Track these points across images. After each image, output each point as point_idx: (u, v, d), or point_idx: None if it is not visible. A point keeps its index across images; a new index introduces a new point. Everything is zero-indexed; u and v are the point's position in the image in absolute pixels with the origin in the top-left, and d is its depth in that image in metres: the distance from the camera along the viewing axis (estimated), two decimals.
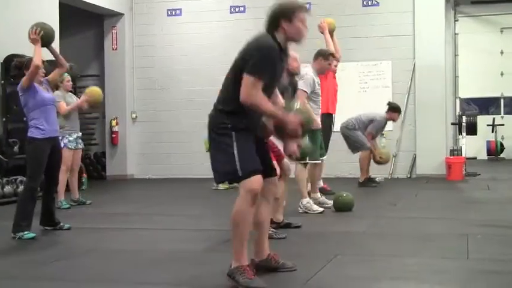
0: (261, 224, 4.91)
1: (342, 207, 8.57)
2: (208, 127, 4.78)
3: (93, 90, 10.14)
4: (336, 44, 10.23)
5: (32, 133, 7.18)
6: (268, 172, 4.82)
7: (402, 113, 13.82)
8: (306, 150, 6.44)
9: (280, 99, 5.16)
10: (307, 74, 8.39)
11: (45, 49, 7.45)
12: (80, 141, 10.12)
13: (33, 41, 7.30)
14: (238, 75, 4.60)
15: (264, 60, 4.56)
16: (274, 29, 4.73)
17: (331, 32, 10.20)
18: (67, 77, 9.88)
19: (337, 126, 10.95)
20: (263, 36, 4.72)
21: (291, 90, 7.27)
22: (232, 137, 4.58)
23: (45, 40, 7.42)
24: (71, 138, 9.76)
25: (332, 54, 9.12)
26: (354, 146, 11.81)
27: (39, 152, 7.15)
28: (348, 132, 11.70)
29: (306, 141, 6.20)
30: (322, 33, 10.15)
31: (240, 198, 4.54)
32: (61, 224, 7.51)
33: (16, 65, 7.67)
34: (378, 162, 12.00)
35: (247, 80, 4.52)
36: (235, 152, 4.54)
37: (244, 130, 4.62)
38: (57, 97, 9.50)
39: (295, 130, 4.70)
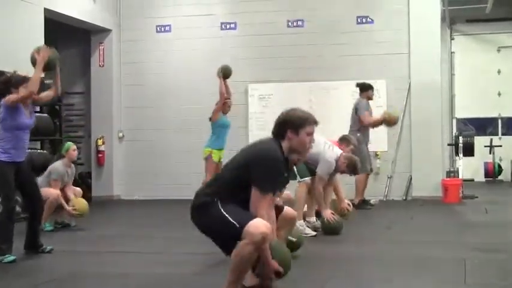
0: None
1: (330, 232, 8.57)
2: (194, 211, 4.93)
3: (81, 203, 10.01)
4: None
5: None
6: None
7: (397, 133, 13.88)
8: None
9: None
10: (330, 157, 8.53)
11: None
12: None
13: (38, 65, 7.22)
14: (239, 178, 4.71)
15: (272, 176, 4.66)
16: (281, 137, 4.82)
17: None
18: (73, 146, 9.86)
19: None
20: (272, 148, 4.78)
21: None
22: (218, 206, 4.64)
23: (51, 65, 7.43)
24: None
25: None
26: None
27: (3, 172, 7.10)
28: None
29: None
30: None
31: (242, 242, 4.48)
32: (44, 246, 7.46)
33: (3, 81, 7.55)
34: (387, 122, 12.16)
35: (261, 197, 4.60)
36: (225, 214, 4.59)
37: (230, 203, 4.66)
38: (54, 173, 9.44)
39: (269, 273, 4.74)
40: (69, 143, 9.94)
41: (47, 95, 7.80)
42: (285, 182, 5.03)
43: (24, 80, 7.20)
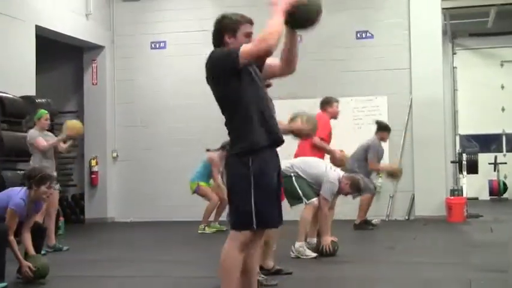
0: (250, 271, 4.85)
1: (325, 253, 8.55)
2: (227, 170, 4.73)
3: (73, 122, 10.09)
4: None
5: None
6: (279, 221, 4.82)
7: (400, 150, 13.88)
8: None
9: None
10: (333, 178, 8.52)
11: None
12: (55, 182, 10.02)
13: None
14: (221, 97, 4.75)
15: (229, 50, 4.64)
16: (219, 45, 4.79)
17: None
18: (46, 114, 9.86)
19: None
20: (214, 51, 4.79)
21: None
22: (251, 182, 4.49)
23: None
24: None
25: None
26: None
27: None
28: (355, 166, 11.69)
29: None
30: None
31: (229, 245, 4.50)
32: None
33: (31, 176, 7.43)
34: (391, 175, 12.23)
35: (244, 48, 4.52)
36: (253, 201, 4.48)
37: (265, 175, 4.55)
38: (31, 137, 9.50)
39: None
40: (42, 110, 9.89)
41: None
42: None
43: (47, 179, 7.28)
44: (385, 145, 13.00)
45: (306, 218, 8.44)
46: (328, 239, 8.59)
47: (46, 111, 9.97)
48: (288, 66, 4.80)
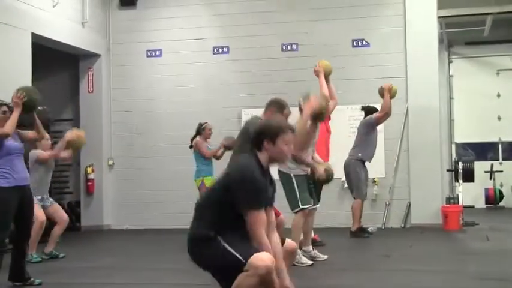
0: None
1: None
2: (190, 243, 4.87)
3: (77, 133, 10.04)
4: (331, 87, 9.81)
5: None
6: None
7: (395, 158, 13.90)
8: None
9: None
10: None
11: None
12: (46, 198, 9.99)
13: (15, 105, 7.29)
14: (222, 201, 4.72)
15: (254, 195, 4.66)
16: (258, 149, 4.85)
17: (326, 76, 9.79)
18: (48, 140, 9.86)
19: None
20: (245, 165, 4.80)
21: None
22: (220, 241, 4.64)
23: (28, 106, 7.41)
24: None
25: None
26: (351, 188, 11.91)
27: (4, 201, 7.09)
28: (350, 168, 11.82)
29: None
30: (317, 76, 9.71)
31: (246, 275, 4.50)
32: (31, 279, 7.41)
33: None
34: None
35: (254, 216, 4.63)
36: (226, 245, 4.60)
37: (230, 233, 4.67)
38: (33, 157, 9.49)
39: None
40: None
41: (29, 135, 7.80)
42: (270, 193, 5.02)
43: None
44: (381, 153, 13.05)
45: (297, 224, 8.48)
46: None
47: (48, 137, 10.01)
48: None
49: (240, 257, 4.49)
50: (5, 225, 7.08)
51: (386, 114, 12.06)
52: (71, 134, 9.81)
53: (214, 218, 4.71)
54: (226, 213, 4.69)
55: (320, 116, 8.21)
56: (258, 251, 4.52)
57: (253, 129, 4.94)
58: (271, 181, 5.00)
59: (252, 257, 4.43)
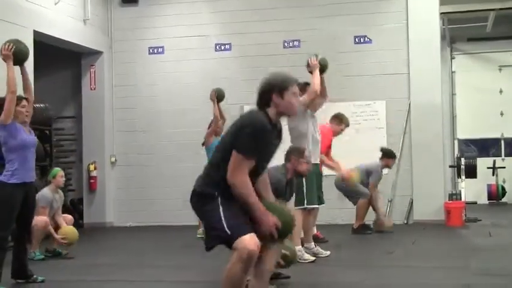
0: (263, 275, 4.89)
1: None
2: (194, 197, 4.85)
3: (71, 231, 9.95)
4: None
5: (5, 177, 7.10)
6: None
7: (398, 154, 13.87)
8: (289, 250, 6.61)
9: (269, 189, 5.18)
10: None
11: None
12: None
13: (5, 57, 7.18)
14: (227, 151, 4.68)
15: (255, 140, 4.63)
16: (266, 105, 4.82)
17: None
18: (60, 171, 9.80)
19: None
20: (257, 113, 4.80)
21: (289, 192, 7.56)
22: (218, 203, 4.64)
23: (19, 58, 7.29)
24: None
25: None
26: (354, 197, 11.87)
27: (9, 198, 7.08)
28: (343, 186, 11.69)
29: (287, 244, 6.31)
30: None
31: (232, 259, 4.52)
32: (34, 276, 7.41)
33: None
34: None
35: (234, 157, 4.61)
36: (222, 215, 4.58)
37: (232, 200, 4.64)
38: (42, 200, 9.32)
39: (268, 232, 4.68)
40: (56, 168, 9.89)
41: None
42: (273, 150, 5.00)
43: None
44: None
45: (295, 221, 8.45)
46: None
47: (60, 169, 9.95)
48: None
49: (227, 231, 4.51)
50: (7, 223, 7.06)
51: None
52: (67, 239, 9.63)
53: (222, 174, 4.66)
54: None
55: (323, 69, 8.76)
56: (247, 231, 4.51)
57: (260, 87, 4.91)
58: (279, 133, 4.97)
59: (239, 239, 4.44)
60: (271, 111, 4.80)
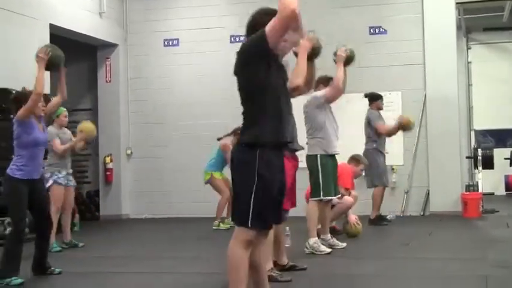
0: (257, 266, 4.86)
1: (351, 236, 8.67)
2: (232, 162, 4.70)
3: (86, 126, 10.10)
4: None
5: (11, 171, 7.16)
6: (277, 221, 4.87)
7: (414, 146, 13.84)
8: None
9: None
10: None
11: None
12: (71, 178, 10.04)
13: (39, 60, 7.31)
14: (248, 88, 4.65)
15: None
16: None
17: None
18: (64, 111, 9.90)
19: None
20: (245, 41, 4.80)
21: None
22: (254, 180, 4.50)
23: (53, 62, 7.46)
24: (60, 175, 9.66)
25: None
26: (372, 177, 11.82)
27: (16, 191, 7.12)
28: (369, 158, 11.52)
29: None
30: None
31: (234, 242, 4.53)
32: (52, 268, 7.44)
33: (16, 98, 7.59)
34: (403, 127, 12.09)
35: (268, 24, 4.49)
36: (252, 196, 4.49)
37: (269, 172, 4.55)
38: (50, 135, 9.46)
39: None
40: (61, 108, 9.92)
41: (54, 104, 7.88)
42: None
43: (31, 93, 7.26)
44: (399, 141, 13.01)
45: (311, 212, 8.44)
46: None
47: (64, 109, 10.01)
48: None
49: (250, 215, 4.46)
50: (21, 215, 7.09)
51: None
52: (85, 133, 9.85)
53: (256, 115, 4.61)
54: (260, 102, 4.61)
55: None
56: (266, 226, 4.59)
57: (250, 19, 4.84)
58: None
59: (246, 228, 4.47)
60: None
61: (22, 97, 7.32)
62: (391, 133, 12.13)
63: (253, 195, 4.47)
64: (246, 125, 4.65)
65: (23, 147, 7.18)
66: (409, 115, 12.33)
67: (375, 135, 11.99)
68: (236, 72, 4.72)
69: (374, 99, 12.25)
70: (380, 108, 12.32)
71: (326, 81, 8.76)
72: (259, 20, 4.74)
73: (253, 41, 4.61)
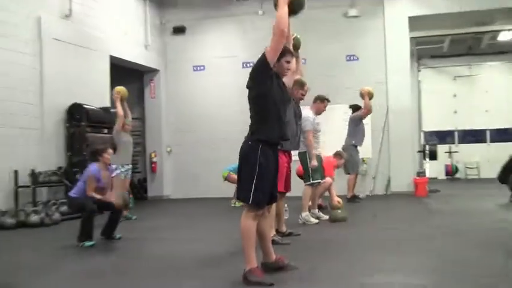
0: (263, 233, 4.90)
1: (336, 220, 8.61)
2: (241, 153, 4.68)
3: (121, 88, 10.16)
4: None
5: (76, 193, 7.37)
6: (271, 200, 4.85)
7: (379, 144, 13.85)
8: None
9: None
10: (308, 116, 8.37)
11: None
12: (130, 172, 10.03)
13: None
14: (255, 101, 4.64)
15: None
16: None
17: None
18: (130, 122, 10.10)
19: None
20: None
21: (298, 117, 7.32)
22: (256, 169, 4.53)
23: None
24: (122, 169, 9.66)
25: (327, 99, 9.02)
26: (348, 167, 11.79)
27: (77, 203, 7.31)
28: (347, 152, 11.47)
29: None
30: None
31: (244, 216, 4.59)
32: (114, 234, 7.50)
33: (93, 152, 7.68)
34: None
35: (266, 49, 4.58)
36: (254, 178, 4.52)
37: (267, 162, 4.59)
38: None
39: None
40: (128, 119, 10.21)
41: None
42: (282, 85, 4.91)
43: (104, 149, 7.46)
44: (368, 140, 13.03)
45: (306, 194, 8.48)
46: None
47: (130, 120, 10.16)
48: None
49: (252, 195, 4.49)
50: (90, 206, 7.16)
51: (368, 111, 12.03)
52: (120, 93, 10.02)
53: (260, 120, 4.62)
54: (264, 113, 4.61)
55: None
56: (263, 203, 4.57)
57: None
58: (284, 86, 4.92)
59: (252, 205, 4.51)
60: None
61: (97, 151, 7.53)
62: (369, 107, 12.03)
63: (254, 179, 4.52)
64: (252, 126, 4.69)
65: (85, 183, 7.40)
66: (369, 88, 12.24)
67: (354, 133, 11.97)
68: (247, 86, 4.77)
69: (357, 109, 12.28)
70: (322, 111, 12.28)
71: (321, 100, 8.70)
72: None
73: (258, 61, 4.68)
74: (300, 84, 7.22)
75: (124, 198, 7.86)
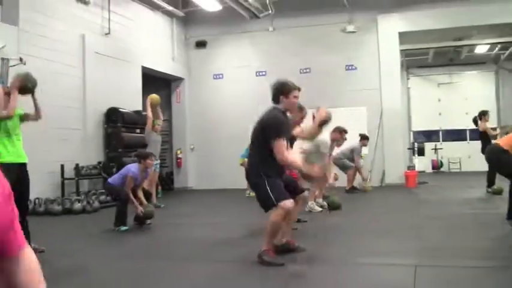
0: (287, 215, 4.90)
1: (334, 208, 8.56)
2: (248, 175, 4.78)
3: (153, 95, 10.09)
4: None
5: (113, 181, 7.37)
6: (298, 192, 4.91)
7: (375, 141, 13.80)
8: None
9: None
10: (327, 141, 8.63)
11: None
12: (158, 166, 10.06)
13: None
14: (261, 140, 4.61)
15: (278, 126, 4.58)
16: (277, 101, 4.77)
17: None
18: (160, 122, 10.06)
19: None
20: (273, 111, 4.73)
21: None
22: (264, 180, 4.55)
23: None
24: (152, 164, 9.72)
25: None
26: (344, 168, 11.78)
27: (114, 190, 7.29)
28: (338, 162, 11.60)
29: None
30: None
31: (275, 213, 4.51)
32: (145, 220, 7.51)
33: (139, 155, 7.55)
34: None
35: (278, 143, 4.51)
36: (268, 188, 4.52)
37: (273, 176, 4.59)
38: (147, 133, 9.52)
39: (316, 175, 5.06)
40: (157, 120, 10.17)
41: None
42: (289, 130, 5.00)
43: (149, 155, 7.49)
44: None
45: (313, 187, 8.45)
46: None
47: (161, 121, 10.15)
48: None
49: (274, 199, 4.47)
50: (122, 194, 7.17)
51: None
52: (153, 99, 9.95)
53: (260, 158, 4.61)
54: (266, 151, 4.57)
55: (325, 123, 6.69)
56: (286, 197, 4.50)
57: (272, 89, 4.80)
58: (288, 120, 4.92)
59: (281, 202, 4.43)
60: (280, 106, 4.75)
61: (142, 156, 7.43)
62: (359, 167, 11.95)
63: (267, 186, 4.50)
64: (254, 157, 4.72)
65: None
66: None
67: (350, 156, 11.89)
68: (256, 125, 4.74)
69: (364, 138, 12.17)
70: (365, 145, 12.25)
71: (340, 132, 9.26)
72: (278, 91, 4.77)
73: (270, 128, 4.58)
74: (299, 108, 7.10)
75: (146, 191, 7.84)
